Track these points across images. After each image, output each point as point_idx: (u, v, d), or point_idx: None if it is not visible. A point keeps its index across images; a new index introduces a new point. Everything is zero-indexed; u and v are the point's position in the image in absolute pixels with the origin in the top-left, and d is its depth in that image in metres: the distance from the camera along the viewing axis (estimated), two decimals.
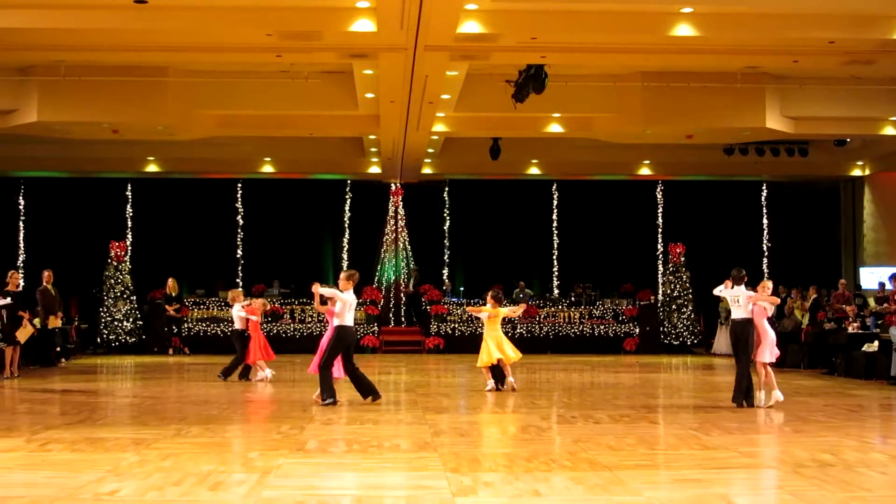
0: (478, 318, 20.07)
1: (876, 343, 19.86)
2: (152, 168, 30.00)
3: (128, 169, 30.04)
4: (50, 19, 16.74)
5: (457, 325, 29.13)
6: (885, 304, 22.27)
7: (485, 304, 17.72)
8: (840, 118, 24.24)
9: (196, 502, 7.42)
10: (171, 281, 28.24)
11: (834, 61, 19.84)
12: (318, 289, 14.29)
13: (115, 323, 27.89)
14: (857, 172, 31.14)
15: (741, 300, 14.27)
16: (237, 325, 19.27)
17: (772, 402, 14.18)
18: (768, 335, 14.39)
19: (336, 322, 14.01)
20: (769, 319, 15.00)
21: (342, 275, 14.35)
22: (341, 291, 13.98)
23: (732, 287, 14.39)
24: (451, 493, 7.66)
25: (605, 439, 10.60)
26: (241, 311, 19.25)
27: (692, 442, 10.71)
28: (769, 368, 14.34)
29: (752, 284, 14.52)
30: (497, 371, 16.83)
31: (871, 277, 28.78)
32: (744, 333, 14.20)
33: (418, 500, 7.50)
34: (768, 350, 14.30)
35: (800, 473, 8.62)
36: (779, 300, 15.93)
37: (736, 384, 14.31)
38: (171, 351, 27.65)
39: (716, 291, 15.04)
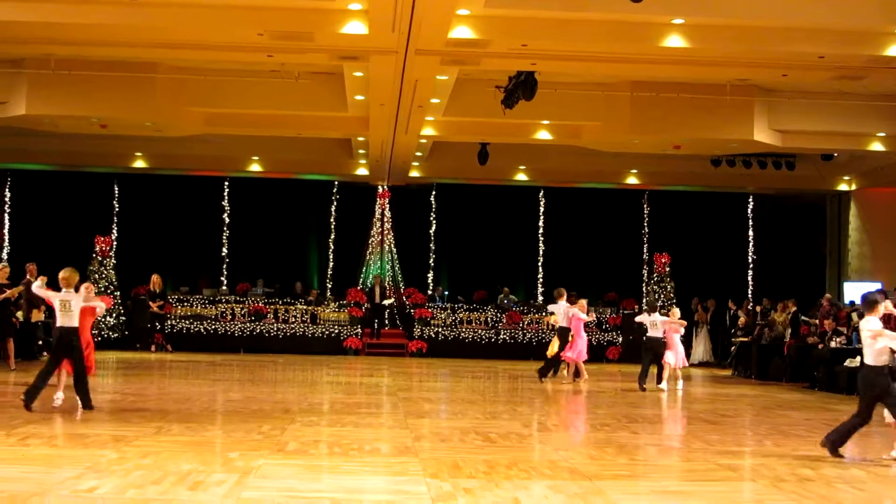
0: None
1: (858, 358, 19.84)
2: (140, 164, 29.92)
3: (115, 164, 29.94)
4: (42, 13, 16.68)
5: (440, 329, 29.13)
6: None
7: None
8: (828, 133, 24.31)
9: (175, 501, 7.39)
10: (155, 277, 28.15)
11: (823, 76, 19.92)
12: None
13: (98, 318, 27.76)
14: (843, 187, 31.24)
15: (658, 324, 19.48)
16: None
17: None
18: (677, 347, 20.05)
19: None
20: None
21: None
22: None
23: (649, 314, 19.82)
24: (431, 499, 7.66)
25: (585, 448, 10.61)
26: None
27: (673, 453, 10.72)
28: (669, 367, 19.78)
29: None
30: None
31: (855, 292, 28.83)
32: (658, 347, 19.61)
33: None
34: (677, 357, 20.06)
35: (779, 488, 8.64)
36: (685, 323, 20.64)
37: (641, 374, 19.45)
38: (153, 348, 27.55)
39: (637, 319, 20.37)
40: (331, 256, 32.59)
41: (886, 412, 10.57)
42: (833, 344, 21.44)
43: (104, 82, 21.87)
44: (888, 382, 10.30)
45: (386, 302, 30.04)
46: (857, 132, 24.41)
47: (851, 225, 31.47)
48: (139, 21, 16.92)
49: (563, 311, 20.81)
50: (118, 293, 28.26)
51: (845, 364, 20.18)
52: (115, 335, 28.02)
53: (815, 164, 29.25)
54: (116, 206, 31.68)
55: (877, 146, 25.04)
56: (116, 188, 31.67)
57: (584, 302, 21.49)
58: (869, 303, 10.45)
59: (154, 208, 31.23)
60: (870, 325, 10.31)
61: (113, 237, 30.14)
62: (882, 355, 10.28)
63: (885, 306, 10.68)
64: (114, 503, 7.29)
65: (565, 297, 21.02)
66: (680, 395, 18.78)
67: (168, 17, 16.90)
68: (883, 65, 18.40)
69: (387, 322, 30.21)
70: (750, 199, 33.53)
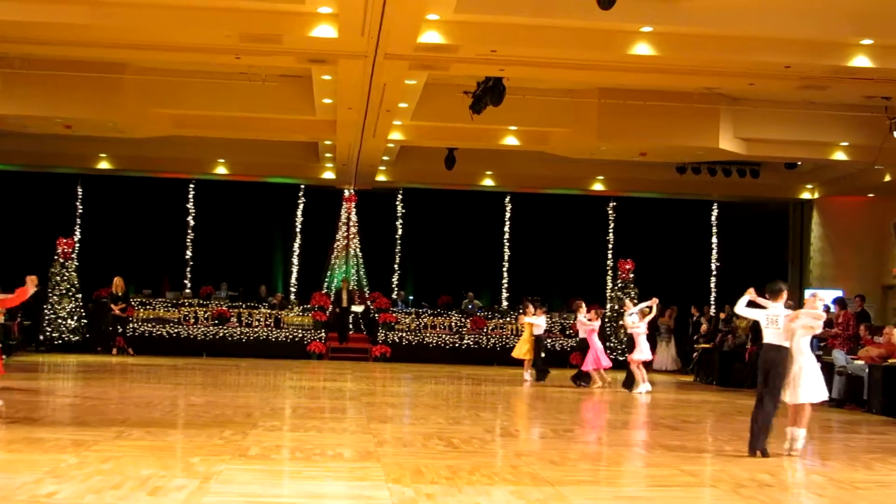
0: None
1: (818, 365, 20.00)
2: (104, 165, 29.70)
3: (79, 165, 29.70)
4: (7, 11, 16.51)
5: (404, 334, 29.10)
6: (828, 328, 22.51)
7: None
8: (792, 141, 24.48)
9: None
10: (117, 280, 27.95)
11: (789, 85, 20.04)
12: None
13: (59, 321, 27.49)
14: (806, 195, 31.47)
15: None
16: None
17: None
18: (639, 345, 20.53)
19: None
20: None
21: None
22: None
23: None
24: None
25: (547, 454, 10.62)
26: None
27: (634, 459, 10.74)
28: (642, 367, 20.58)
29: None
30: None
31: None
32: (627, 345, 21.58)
33: None
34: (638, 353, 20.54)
35: (739, 493, 8.68)
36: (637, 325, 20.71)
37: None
38: (114, 351, 27.36)
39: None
40: (295, 260, 32.47)
41: (789, 394, 11.32)
42: None
43: (70, 82, 21.70)
44: (786, 365, 11.24)
45: (355, 308, 29.88)
46: (821, 141, 24.57)
47: (814, 233, 31.70)
48: (106, 21, 16.77)
49: (580, 323, 21.96)
50: (79, 295, 27.98)
51: None
52: (76, 338, 27.75)
53: (779, 173, 29.45)
54: (80, 207, 31.44)
55: (840, 155, 25.21)
56: (80, 189, 31.43)
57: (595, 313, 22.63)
58: (775, 291, 11.44)
59: (118, 210, 30.96)
60: (784, 312, 11.27)
61: (76, 239, 29.89)
62: (784, 337, 11.24)
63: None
64: None
65: (584, 308, 22.25)
66: (641, 400, 18.86)
67: (136, 18, 16.77)
68: (847, 75, 18.53)
69: (351, 326, 30.11)
70: (714, 207, 33.67)
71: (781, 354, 11.26)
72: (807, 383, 11.29)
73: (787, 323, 11.23)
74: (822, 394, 11.50)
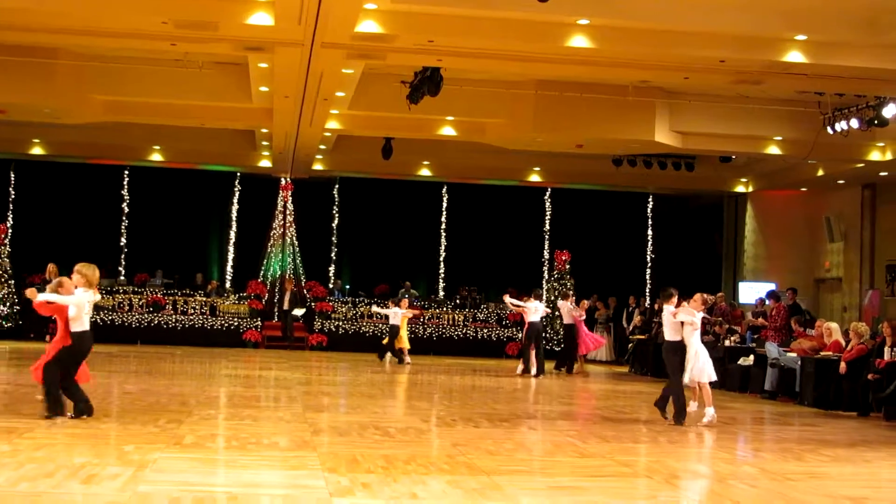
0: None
1: (751, 357, 20.31)
2: (38, 150, 29.31)
3: (12, 150, 29.32)
4: None
5: (341, 323, 29.06)
6: (761, 319, 22.84)
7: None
8: (726, 135, 24.71)
9: (68, 495, 7.29)
10: (51, 266, 27.57)
11: (723, 80, 20.21)
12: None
13: None
14: (740, 189, 31.83)
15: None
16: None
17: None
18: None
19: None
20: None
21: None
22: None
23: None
24: (329, 493, 7.65)
25: (483, 443, 10.67)
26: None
27: (569, 449, 10.83)
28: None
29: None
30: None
31: (749, 292, 29.43)
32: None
33: (295, 499, 7.47)
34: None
35: (672, 484, 8.79)
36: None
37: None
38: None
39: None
40: (231, 248, 32.29)
41: (687, 376, 13.53)
42: (727, 343, 21.81)
43: (3, 67, 21.36)
44: (680, 356, 13.45)
45: (297, 312, 29.58)
46: (755, 135, 24.83)
47: (748, 226, 32.11)
48: (40, 5, 16.56)
49: (567, 311, 24.16)
50: (12, 281, 27.64)
51: (738, 363, 20.57)
52: (9, 324, 27.43)
53: (714, 166, 29.74)
54: (13, 192, 31.04)
55: (773, 150, 25.49)
56: (13, 175, 31.02)
57: (585, 301, 25.93)
58: (667, 295, 13.68)
59: (51, 196, 30.64)
60: (670, 310, 13.46)
61: (8, 225, 29.49)
62: (677, 333, 13.43)
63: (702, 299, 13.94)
64: (5, 497, 7.16)
65: (571, 298, 24.74)
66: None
67: (70, 3, 16.57)
68: (781, 70, 18.72)
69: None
70: (650, 199, 33.95)
71: (670, 346, 13.54)
72: (693, 366, 13.44)
73: (669, 319, 13.45)
74: (710, 375, 13.66)
